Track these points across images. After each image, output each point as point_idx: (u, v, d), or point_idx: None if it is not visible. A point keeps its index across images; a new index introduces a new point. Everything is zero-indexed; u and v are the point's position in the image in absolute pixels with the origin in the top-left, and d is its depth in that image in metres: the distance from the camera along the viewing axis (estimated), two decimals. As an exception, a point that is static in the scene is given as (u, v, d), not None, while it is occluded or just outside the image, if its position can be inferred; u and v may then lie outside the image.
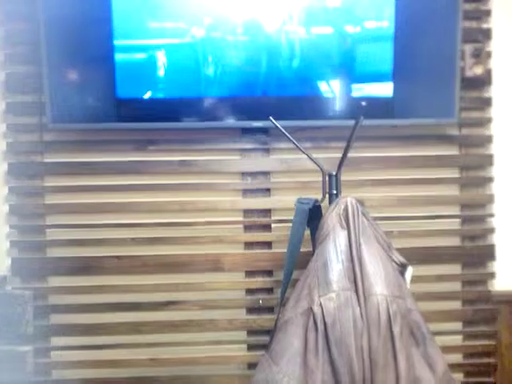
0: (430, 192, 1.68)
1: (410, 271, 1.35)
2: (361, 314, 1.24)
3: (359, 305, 1.25)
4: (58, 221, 1.64)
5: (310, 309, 1.25)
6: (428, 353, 1.31)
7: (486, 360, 1.71)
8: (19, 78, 1.60)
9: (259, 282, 1.67)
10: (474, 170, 1.69)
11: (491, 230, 1.69)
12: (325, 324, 1.23)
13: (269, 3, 1.53)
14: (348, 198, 1.31)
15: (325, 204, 1.37)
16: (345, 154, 1.34)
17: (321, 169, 1.37)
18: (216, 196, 1.65)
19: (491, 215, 1.69)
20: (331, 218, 1.30)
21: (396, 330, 1.25)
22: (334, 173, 1.36)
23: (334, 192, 1.36)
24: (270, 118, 1.39)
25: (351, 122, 1.35)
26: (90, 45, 1.52)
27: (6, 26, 1.59)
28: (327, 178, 1.36)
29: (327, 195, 1.37)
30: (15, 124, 1.61)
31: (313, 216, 1.38)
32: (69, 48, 1.53)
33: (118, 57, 1.53)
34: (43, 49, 1.51)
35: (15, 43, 1.59)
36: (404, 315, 1.28)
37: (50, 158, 1.62)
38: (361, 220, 1.30)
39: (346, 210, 1.29)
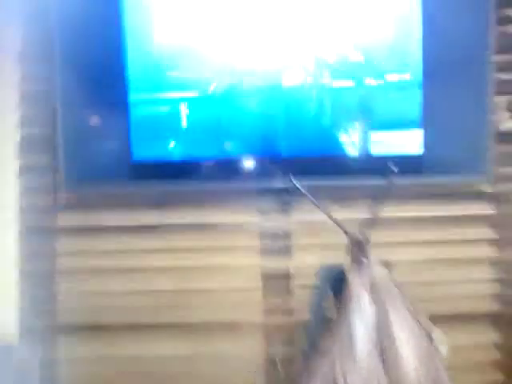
0: (463, 253, 1.56)
1: (441, 339, 1.25)
2: (388, 387, 1.16)
3: (386, 376, 1.17)
4: (70, 284, 1.56)
5: (332, 377, 1.17)
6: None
7: None
8: (34, 138, 1.57)
9: (279, 350, 1.55)
10: (510, 228, 1.58)
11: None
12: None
13: (289, 59, 1.49)
14: (375, 266, 1.23)
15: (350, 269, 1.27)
16: (373, 219, 1.26)
17: (347, 234, 1.28)
18: (233, 258, 1.57)
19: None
20: (357, 285, 1.23)
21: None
22: (361, 239, 1.27)
23: (361, 258, 1.26)
24: (291, 178, 1.33)
25: (377, 181, 1.27)
26: (104, 105, 1.50)
27: (22, 87, 1.56)
28: (353, 244, 1.28)
29: (353, 261, 1.28)
30: (28, 185, 1.57)
31: (338, 282, 1.29)
32: (84, 108, 1.51)
33: (134, 116, 1.50)
34: (59, 110, 1.50)
35: (31, 104, 1.57)
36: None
37: (63, 220, 1.57)
38: (389, 288, 1.23)
39: (373, 277, 1.22)
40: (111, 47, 1.49)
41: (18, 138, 1.56)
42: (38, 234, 1.57)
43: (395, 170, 1.26)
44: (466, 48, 1.49)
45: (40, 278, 1.57)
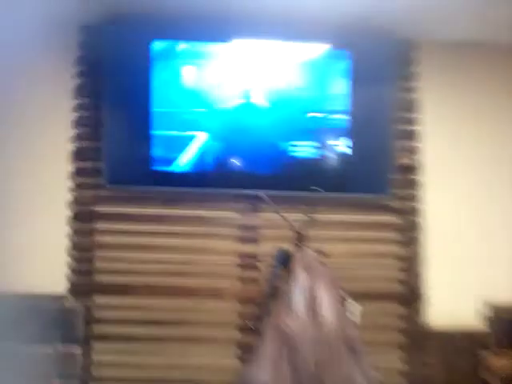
0: (375, 249, 2.30)
1: (353, 305, 1.94)
2: (315, 333, 1.82)
3: (313, 324, 1.81)
4: (105, 254, 2.25)
5: (279, 325, 1.84)
6: (361, 362, 1.88)
7: None
8: (83, 150, 2.27)
9: (250, 308, 2.23)
10: (406, 231, 2.33)
11: (420, 276, 2.30)
12: (289, 337, 1.82)
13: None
14: (309, 250, 1.92)
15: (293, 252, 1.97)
16: (310, 220, 1.96)
17: (292, 228, 1.98)
18: (219, 242, 2.28)
19: (419, 270, 2.30)
20: (297, 263, 1.91)
21: (339, 344, 1.84)
22: (302, 232, 1.97)
23: (301, 245, 1.96)
24: (261, 194, 2.04)
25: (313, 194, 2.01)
26: (134, 129, 2.21)
27: (77, 113, 2.27)
28: (296, 235, 1.98)
29: (295, 247, 1.98)
30: (80, 183, 2.27)
31: (286, 260, 1.97)
32: (119, 128, 2.20)
33: (155, 136, 2.20)
34: (105, 130, 2.20)
35: (81, 124, 2.27)
36: (345, 335, 1.87)
37: (101, 208, 2.27)
38: (317, 267, 1.91)
39: (307, 258, 1.90)
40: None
41: (71, 148, 2.26)
42: (83, 218, 2.26)
43: (320, 189, 1.98)
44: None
45: (83, 249, 2.25)
